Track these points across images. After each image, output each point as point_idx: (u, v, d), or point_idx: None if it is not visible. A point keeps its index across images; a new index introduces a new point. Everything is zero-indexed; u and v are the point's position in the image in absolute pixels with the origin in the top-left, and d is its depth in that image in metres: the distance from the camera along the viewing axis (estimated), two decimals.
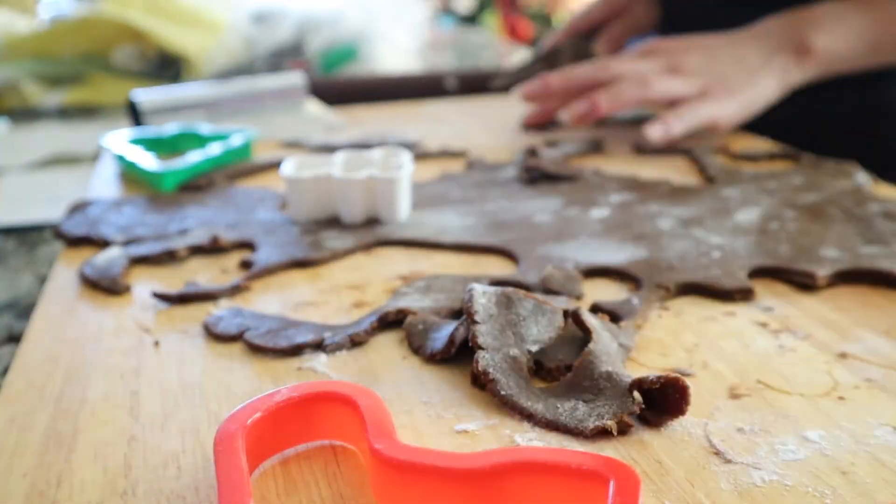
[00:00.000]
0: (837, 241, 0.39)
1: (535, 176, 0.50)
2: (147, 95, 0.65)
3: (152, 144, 0.58)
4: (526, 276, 0.36)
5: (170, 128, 0.60)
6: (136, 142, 0.57)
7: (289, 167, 0.43)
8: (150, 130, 0.60)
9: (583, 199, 0.46)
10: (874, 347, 0.31)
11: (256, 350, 0.31)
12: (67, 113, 0.87)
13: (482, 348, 0.28)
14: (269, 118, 0.67)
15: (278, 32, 0.96)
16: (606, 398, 0.27)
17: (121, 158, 0.55)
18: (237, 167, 0.54)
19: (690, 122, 0.55)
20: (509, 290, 0.31)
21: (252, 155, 0.57)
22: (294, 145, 0.61)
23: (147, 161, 0.52)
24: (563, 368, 0.29)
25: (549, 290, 0.35)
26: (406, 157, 0.44)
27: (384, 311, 0.33)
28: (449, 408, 0.27)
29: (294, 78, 0.70)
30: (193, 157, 0.52)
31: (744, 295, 0.35)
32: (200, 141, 0.58)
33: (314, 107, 0.71)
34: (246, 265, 0.39)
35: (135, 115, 0.64)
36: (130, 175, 0.54)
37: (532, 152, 0.55)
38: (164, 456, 0.25)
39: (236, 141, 0.55)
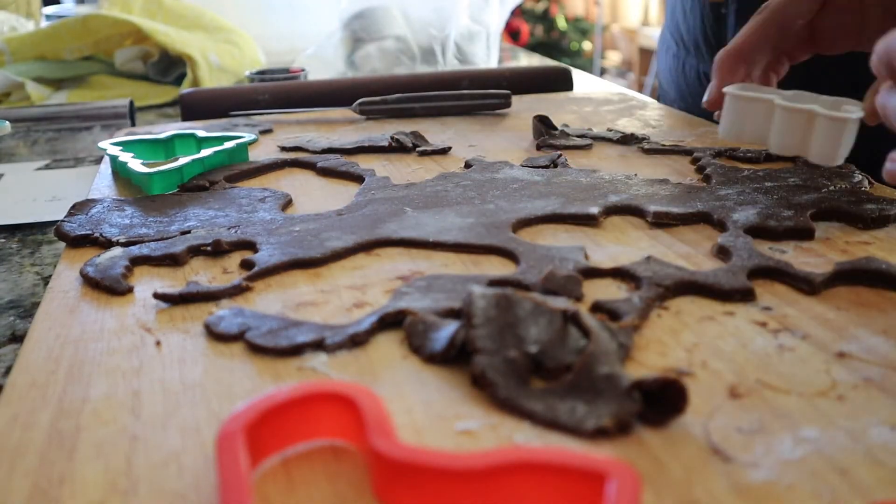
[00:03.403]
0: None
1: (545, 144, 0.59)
2: None
3: (149, 147, 0.58)
4: (526, 277, 0.36)
5: (166, 131, 0.60)
6: (132, 144, 0.58)
7: (732, 89, 0.46)
8: (146, 133, 0.60)
9: (582, 198, 0.46)
10: (872, 347, 0.31)
11: (257, 350, 0.31)
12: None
13: (480, 352, 0.29)
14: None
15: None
16: (606, 399, 0.27)
17: (114, 160, 0.55)
18: (238, 168, 0.54)
19: None
20: (508, 291, 0.31)
21: (248, 158, 0.57)
22: (297, 149, 0.61)
23: (136, 163, 0.52)
24: (563, 369, 0.29)
25: (548, 291, 0.35)
26: (855, 106, 0.43)
27: (384, 311, 0.33)
28: (449, 407, 0.28)
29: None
30: (183, 159, 0.52)
31: (743, 296, 0.35)
32: (196, 144, 0.58)
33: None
34: (247, 265, 0.39)
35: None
36: (124, 176, 0.55)
37: (542, 119, 0.61)
38: (165, 455, 0.25)
39: (229, 144, 0.56)
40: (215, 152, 0.54)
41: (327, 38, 1.03)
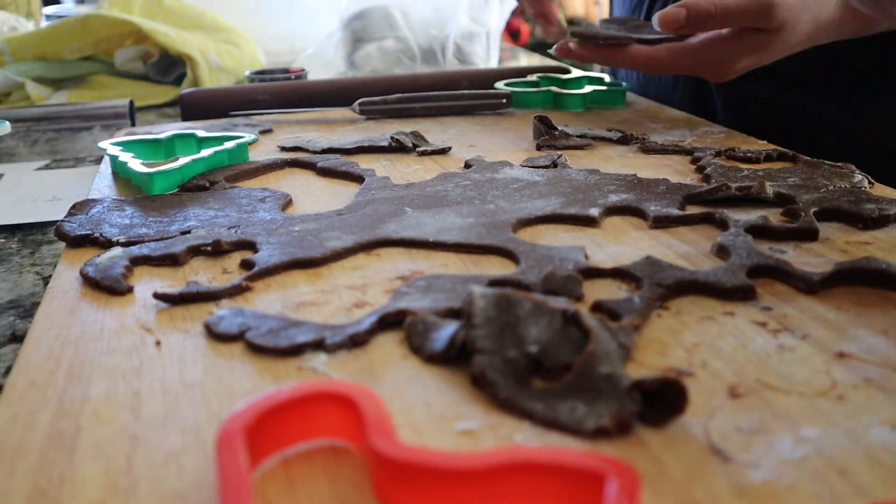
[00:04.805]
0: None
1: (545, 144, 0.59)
2: None
3: (149, 147, 0.58)
4: (526, 277, 0.36)
5: (166, 131, 0.60)
6: (132, 144, 0.58)
7: None
8: (146, 133, 0.60)
9: (582, 198, 0.46)
10: (872, 347, 0.31)
11: (257, 350, 0.31)
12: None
13: (480, 352, 0.29)
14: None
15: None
16: (606, 399, 0.27)
17: (114, 160, 0.55)
18: (238, 168, 0.54)
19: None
20: (508, 291, 0.31)
21: (248, 158, 0.57)
22: (297, 149, 0.61)
23: (136, 163, 0.52)
24: (563, 369, 0.29)
25: (548, 291, 0.35)
26: None
27: (384, 311, 0.33)
28: (449, 407, 0.28)
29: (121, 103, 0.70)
30: (183, 159, 0.52)
31: (744, 294, 0.35)
32: (197, 144, 0.58)
33: None
34: (247, 265, 0.39)
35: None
36: (124, 176, 0.55)
37: (542, 119, 0.61)
38: (165, 455, 0.25)
39: (229, 144, 0.56)
40: (215, 152, 0.54)
41: (327, 38, 1.03)
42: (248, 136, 0.58)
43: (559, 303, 0.33)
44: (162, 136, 0.59)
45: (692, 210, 0.45)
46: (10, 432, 0.27)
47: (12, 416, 0.28)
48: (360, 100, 0.71)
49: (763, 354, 0.30)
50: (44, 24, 1.22)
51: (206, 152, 0.54)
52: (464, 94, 0.72)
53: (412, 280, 0.37)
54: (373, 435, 0.23)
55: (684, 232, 0.43)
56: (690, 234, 0.42)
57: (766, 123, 0.68)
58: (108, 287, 0.37)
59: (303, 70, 0.90)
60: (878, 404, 0.27)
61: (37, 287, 0.43)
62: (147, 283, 0.38)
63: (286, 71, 0.91)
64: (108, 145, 0.57)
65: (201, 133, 0.59)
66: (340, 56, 1.02)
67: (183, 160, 0.52)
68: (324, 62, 1.01)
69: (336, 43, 1.02)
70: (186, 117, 0.74)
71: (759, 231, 0.41)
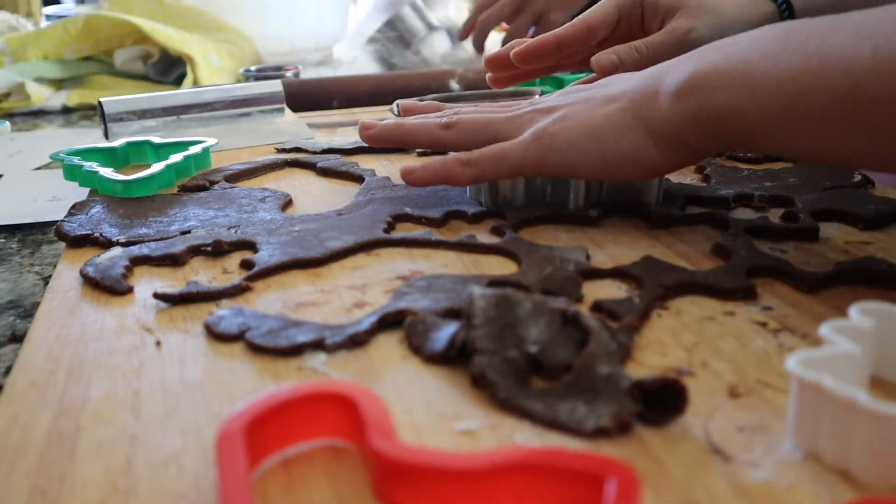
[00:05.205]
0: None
1: None
2: (115, 102, 0.64)
3: (104, 155, 0.57)
4: (526, 277, 0.36)
5: (119, 140, 0.58)
6: (90, 153, 0.57)
7: None
8: (100, 143, 0.59)
9: None
10: None
11: (257, 350, 0.31)
12: (70, 114, 0.87)
13: (480, 352, 0.29)
14: (246, 126, 0.67)
15: None
16: (606, 399, 0.27)
17: (71, 169, 0.53)
18: (238, 168, 0.54)
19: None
20: (508, 291, 0.31)
21: (210, 163, 0.56)
22: (295, 150, 0.61)
23: (107, 171, 0.51)
24: (563, 369, 0.29)
25: (548, 291, 0.35)
26: None
27: (384, 311, 0.33)
28: (449, 408, 0.28)
29: (273, 86, 0.70)
30: (157, 166, 0.51)
31: (744, 294, 0.35)
32: (154, 151, 0.57)
33: (290, 115, 0.71)
34: (247, 265, 0.39)
35: (104, 120, 0.63)
36: (84, 186, 0.53)
37: None
38: (165, 455, 0.25)
39: (195, 149, 0.55)
40: (185, 157, 0.53)
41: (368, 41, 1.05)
42: (210, 141, 0.57)
43: (559, 303, 0.33)
44: (116, 144, 0.58)
45: (692, 210, 0.45)
46: (10, 432, 0.27)
47: (12, 416, 0.28)
48: (398, 101, 0.71)
49: (763, 354, 0.30)
50: (44, 24, 1.22)
51: (175, 158, 0.53)
52: (497, 93, 0.71)
53: (412, 280, 0.37)
54: (373, 435, 0.23)
55: (684, 232, 0.43)
56: (690, 234, 0.42)
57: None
58: (108, 287, 0.37)
59: (297, 68, 0.91)
60: None
61: (37, 287, 0.43)
62: (147, 283, 0.38)
63: (280, 69, 0.91)
64: (65, 156, 0.55)
65: (156, 140, 0.58)
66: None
67: (156, 167, 0.51)
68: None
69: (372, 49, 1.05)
70: None
71: (759, 231, 0.41)
